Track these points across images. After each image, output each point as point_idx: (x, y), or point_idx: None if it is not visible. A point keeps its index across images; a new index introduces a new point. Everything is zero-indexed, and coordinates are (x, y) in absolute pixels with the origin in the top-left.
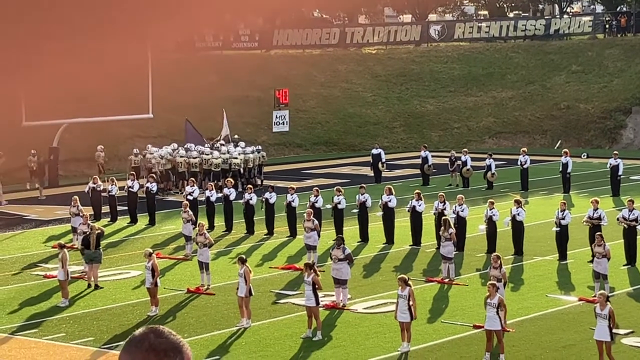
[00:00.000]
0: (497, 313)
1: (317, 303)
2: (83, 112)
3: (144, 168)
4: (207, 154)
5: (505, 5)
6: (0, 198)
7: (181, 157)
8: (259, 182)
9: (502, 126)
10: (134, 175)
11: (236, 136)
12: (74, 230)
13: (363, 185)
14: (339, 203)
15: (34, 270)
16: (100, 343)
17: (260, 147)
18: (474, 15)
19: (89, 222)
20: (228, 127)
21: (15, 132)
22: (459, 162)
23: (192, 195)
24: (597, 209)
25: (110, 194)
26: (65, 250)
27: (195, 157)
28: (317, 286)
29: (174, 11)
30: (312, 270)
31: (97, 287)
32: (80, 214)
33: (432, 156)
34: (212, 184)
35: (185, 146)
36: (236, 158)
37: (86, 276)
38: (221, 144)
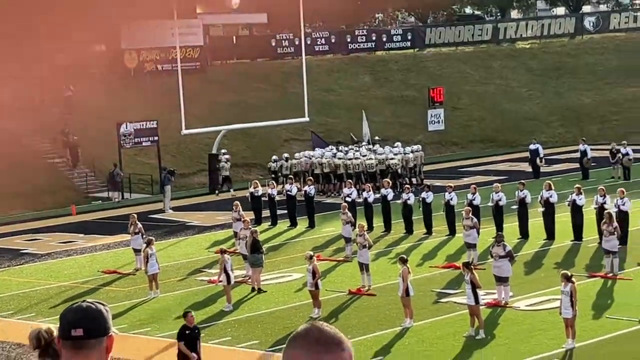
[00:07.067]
0: None
1: (477, 302)
2: (240, 118)
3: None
4: (364, 155)
5: None
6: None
7: (339, 159)
8: (414, 181)
9: None
10: (292, 179)
11: (377, 137)
12: (235, 235)
13: (522, 181)
14: (500, 200)
15: (198, 275)
16: (265, 346)
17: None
18: (629, 5)
19: (249, 227)
20: (368, 127)
21: (176, 140)
22: (620, 155)
23: (350, 197)
24: None
25: (270, 197)
26: (227, 255)
27: (351, 159)
28: (475, 285)
29: None
30: (469, 270)
31: (260, 290)
32: (242, 219)
33: (591, 149)
34: (369, 185)
35: (342, 148)
36: (393, 159)
37: (249, 280)
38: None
